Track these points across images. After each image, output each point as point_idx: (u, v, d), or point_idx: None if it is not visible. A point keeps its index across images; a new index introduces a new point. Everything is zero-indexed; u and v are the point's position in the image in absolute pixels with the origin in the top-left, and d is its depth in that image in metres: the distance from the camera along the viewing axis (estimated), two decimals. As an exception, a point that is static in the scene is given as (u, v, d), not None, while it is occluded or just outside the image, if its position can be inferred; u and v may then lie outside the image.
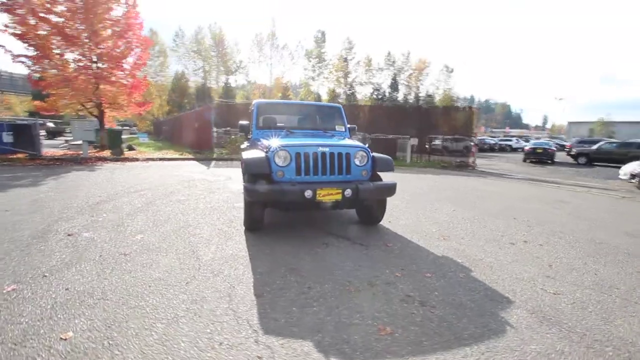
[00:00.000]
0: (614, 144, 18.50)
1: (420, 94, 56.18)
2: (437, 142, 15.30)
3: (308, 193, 3.58)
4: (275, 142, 3.91)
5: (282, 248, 3.52)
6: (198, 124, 17.48)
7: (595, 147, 18.99)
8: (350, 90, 54.53)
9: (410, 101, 54.88)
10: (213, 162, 12.88)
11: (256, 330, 2.04)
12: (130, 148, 16.54)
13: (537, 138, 42.77)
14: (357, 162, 3.95)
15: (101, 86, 13.68)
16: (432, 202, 6.18)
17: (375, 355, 1.86)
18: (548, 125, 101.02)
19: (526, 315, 2.33)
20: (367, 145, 4.20)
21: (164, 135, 30.82)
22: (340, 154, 3.88)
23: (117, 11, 13.68)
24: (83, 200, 5.53)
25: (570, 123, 56.36)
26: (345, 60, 53.33)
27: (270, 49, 49.17)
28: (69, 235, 3.75)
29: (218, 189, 6.96)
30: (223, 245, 3.56)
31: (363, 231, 4.24)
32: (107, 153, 13.86)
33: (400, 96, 56.40)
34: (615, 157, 17.42)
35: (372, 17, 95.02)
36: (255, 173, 3.72)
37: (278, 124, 5.08)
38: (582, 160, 18.96)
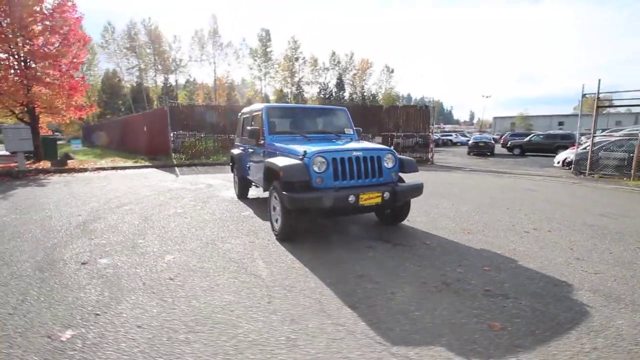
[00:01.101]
0: (542, 136, 21.20)
1: (365, 93, 58.29)
2: (398, 140, 16.10)
3: (352, 198, 3.57)
4: (307, 148, 3.81)
5: (332, 256, 3.47)
6: (151, 128, 16.14)
7: (526, 139, 21.58)
8: (297, 89, 54.60)
9: (356, 100, 56.66)
10: (177, 170, 12.02)
11: (382, 344, 2.01)
12: (67, 157, 14.69)
13: (482, 132, 47.12)
14: (387, 165, 4.03)
15: (34, 88, 11.92)
16: (427, 198, 6.52)
17: (508, 351, 1.95)
18: (475, 121, 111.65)
19: (591, 295, 2.63)
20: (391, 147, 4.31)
21: (100, 141, 27.88)
22: (372, 157, 3.93)
23: (50, 3, 12.02)
24: (62, 221, 4.82)
25: (495, 118, 62.93)
26: (291, 59, 53.26)
27: (213, 47, 47.17)
28: (83, 263, 3.26)
29: (209, 198, 6.54)
30: (269, 258, 3.39)
31: (391, 232, 4.34)
32: (46, 164, 12.14)
33: (346, 95, 57.93)
34: (543, 148, 20.03)
35: (316, 17, 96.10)
36: (293, 181, 3.59)
37: (290, 129, 4.96)
38: (516, 151, 21.41)
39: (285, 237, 3.86)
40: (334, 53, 57.02)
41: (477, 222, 4.78)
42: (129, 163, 13.48)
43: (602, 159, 11.38)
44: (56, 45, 12.33)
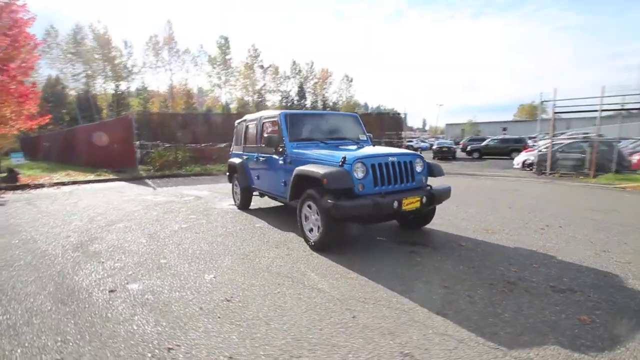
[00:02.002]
0: (497, 141, 22.95)
1: (326, 101, 59.18)
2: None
3: (396, 203, 3.54)
4: (344, 154, 3.72)
5: (381, 263, 3.38)
6: (112, 138, 14.91)
7: (483, 143, 23.23)
8: (259, 98, 54.00)
9: (318, 109, 57.26)
10: (150, 182, 11.19)
11: (498, 349, 1.96)
12: (13, 172, 13.04)
13: (437, 138, 49.62)
14: (418, 169, 4.06)
15: (-24, 95, 10.48)
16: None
17: (614, 342, 2.01)
18: (427, 127, 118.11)
19: (638, 282, 2.82)
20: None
21: (44, 153, 25.24)
22: (405, 162, 3.93)
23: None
24: (52, 244, 4.23)
25: (447, 125, 66.96)
26: (252, 67, 52.64)
27: (169, 53, 45.10)
28: (111, 291, 2.85)
29: (208, 211, 6.14)
30: (319, 270, 3.22)
31: (418, 235, 4.35)
32: (-8, 181, 10.65)
33: (308, 103, 58.36)
34: (499, 151, 21.70)
35: (274, 26, 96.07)
36: (338, 188, 3.46)
37: (307, 136, 4.81)
38: (475, 155, 22.93)
39: (325, 246, 3.70)
40: (294, 62, 57.37)
41: (492, 222, 4.98)
42: (91, 177, 12.28)
43: (560, 160, 12.57)
44: (3, 47, 10.98)
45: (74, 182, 11.28)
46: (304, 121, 4.92)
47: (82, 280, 3.09)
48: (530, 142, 22.07)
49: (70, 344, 2.11)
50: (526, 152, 17.14)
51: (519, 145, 21.19)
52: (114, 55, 41.59)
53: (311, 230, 3.88)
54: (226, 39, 49.82)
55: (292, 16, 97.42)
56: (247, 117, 6.04)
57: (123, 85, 43.73)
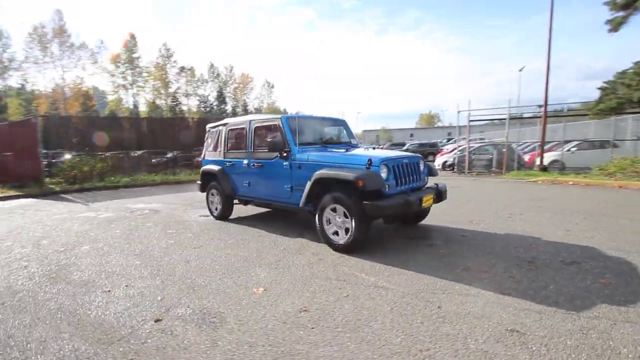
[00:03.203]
0: (416, 145, 25.70)
1: (247, 107, 57.97)
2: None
3: (418, 202, 3.81)
4: (369, 156, 3.83)
5: (415, 258, 3.58)
6: (6, 147, 12.10)
7: (404, 148, 25.73)
8: (173, 101, 50.04)
9: (239, 114, 55.74)
10: (71, 197, 9.50)
11: (569, 313, 2.33)
12: None
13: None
14: (422, 169, 4.43)
15: None
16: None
17: (636, 295, 2.57)
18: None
19: (623, 252, 3.61)
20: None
21: None
22: (414, 164, 4.26)
23: None
24: (8, 277, 3.36)
25: (364, 131, 71.84)
26: (164, 68, 48.53)
27: (60, 48, 38.49)
28: (156, 321, 2.44)
29: (182, 223, 5.57)
30: (366, 270, 3.26)
31: (418, 230, 4.70)
32: None
33: (229, 108, 56.37)
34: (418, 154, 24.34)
35: (188, 25, 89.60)
36: (372, 189, 3.56)
37: (306, 140, 4.78)
38: (398, 158, 25.25)
39: (355, 247, 3.73)
40: (212, 65, 54.79)
41: (467, 214, 5.66)
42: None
43: (475, 161, 14.80)
44: None
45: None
46: (303, 125, 4.88)
47: (103, 315, 2.56)
48: (440, 146, 25.50)
49: (167, 384, 1.78)
50: (440, 155, 19.66)
51: (433, 149, 24.23)
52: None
53: (335, 233, 3.89)
54: (133, 36, 44.89)
55: (205, 17, 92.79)
56: (228, 121, 5.67)
57: (-4, 83, 35.69)
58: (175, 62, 48.95)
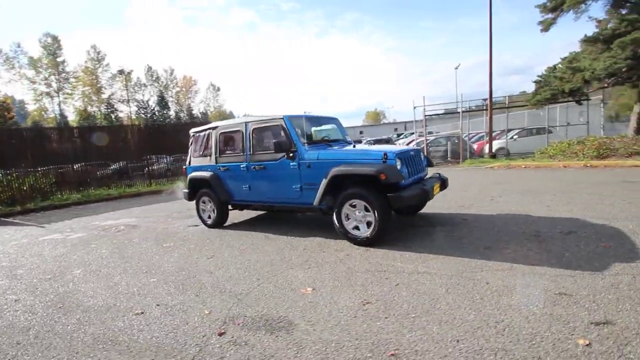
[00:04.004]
0: (372, 141, 26.64)
1: (193, 111, 55.33)
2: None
3: (431, 191, 4.03)
4: (384, 150, 3.94)
5: (438, 244, 3.77)
6: None
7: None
8: (108, 108, 46.02)
9: (184, 119, 52.98)
10: (18, 220, 8.35)
11: (594, 274, 2.67)
12: None
13: None
14: (423, 160, 4.69)
15: None
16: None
17: (634, 252, 3.02)
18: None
19: (619, 222, 4.16)
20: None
21: None
22: (417, 156, 4.49)
23: None
24: (17, 306, 2.92)
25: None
26: (95, 73, 44.37)
27: (-37, 51, 33.10)
28: (220, 334, 2.31)
29: (173, 235, 5.23)
30: (400, 259, 3.38)
31: (421, 219, 4.96)
32: None
33: (172, 113, 53.29)
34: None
35: (120, 27, 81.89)
36: (395, 182, 3.69)
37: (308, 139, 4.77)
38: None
39: (379, 239, 3.82)
40: (150, 68, 51.24)
41: (454, 199, 6.07)
42: None
43: (433, 152, 15.83)
44: None
45: None
46: (303, 125, 4.85)
47: (153, 337, 2.35)
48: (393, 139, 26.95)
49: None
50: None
51: (390, 144, 25.43)
52: None
53: (356, 227, 3.96)
54: (55, 38, 40.23)
55: (139, 18, 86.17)
56: (218, 124, 5.42)
57: None
58: (108, 65, 44.95)
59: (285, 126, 4.50)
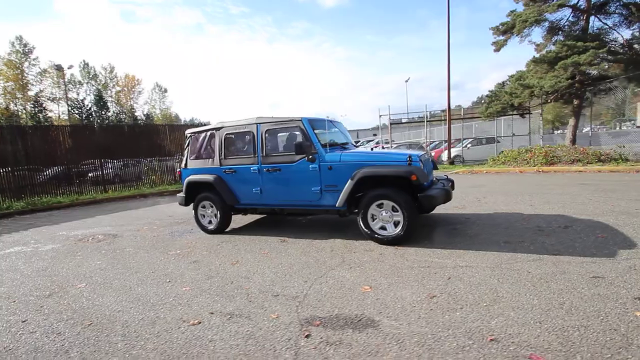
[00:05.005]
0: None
1: (136, 113, 51.46)
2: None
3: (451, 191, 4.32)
4: (408, 153, 4.12)
5: (461, 240, 4.03)
6: None
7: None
8: (36, 107, 40.98)
9: (125, 120, 49.04)
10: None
11: (607, 259, 3.09)
12: None
13: None
14: (431, 164, 4.99)
15: None
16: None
17: (627, 242, 3.54)
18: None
19: (619, 217, 4.76)
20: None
21: None
22: (430, 159, 4.78)
23: None
24: (28, 327, 2.52)
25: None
26: (20, 67, 39.30)
27: None
28: (306, 336, 2.24)
29: (180, 243, 4.88)
30: (438, 257, 3.54)
31: (430, 218, 5.24)
32: None
33: (111, 115, 49.02)
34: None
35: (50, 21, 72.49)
36: (422, 183, 3.88)
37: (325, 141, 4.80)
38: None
39: (407, 238, 3.96)
40: (87, 64, 46.69)
41: (451, 201, 6.47)
42: None
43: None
44: None
45: None
46: (318, 127, 4.86)
47: (239, 345, 2.20)
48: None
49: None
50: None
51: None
52: None
53: (382, 228, 4.06)
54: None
55: (68, 9, 77.73)
56: (224, 124, 5.17)
57: None
58: (37, 59, 40.03)
59: (304, 128, 4.48)
